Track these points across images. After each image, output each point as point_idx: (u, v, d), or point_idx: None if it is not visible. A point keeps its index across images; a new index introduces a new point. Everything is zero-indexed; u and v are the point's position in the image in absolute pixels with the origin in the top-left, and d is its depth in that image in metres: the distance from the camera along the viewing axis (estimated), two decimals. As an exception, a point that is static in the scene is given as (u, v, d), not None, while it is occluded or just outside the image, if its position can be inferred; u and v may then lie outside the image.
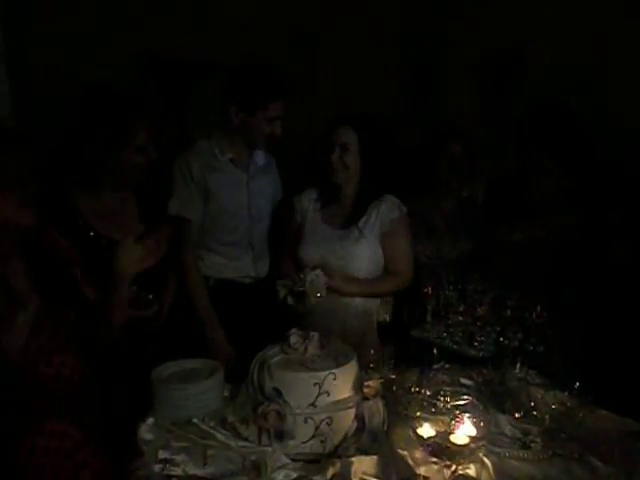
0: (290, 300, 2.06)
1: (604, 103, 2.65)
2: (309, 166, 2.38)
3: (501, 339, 1.87)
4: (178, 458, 1.48)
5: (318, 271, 2.04)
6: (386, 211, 2.21)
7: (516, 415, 1.64)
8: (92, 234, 1.92)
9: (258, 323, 2.23)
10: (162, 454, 1.49)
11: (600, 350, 2.15)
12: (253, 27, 3.22)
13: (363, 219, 2.20)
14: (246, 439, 1.57)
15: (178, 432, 1.60)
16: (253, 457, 1.50)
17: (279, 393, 1.56)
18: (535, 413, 1.63)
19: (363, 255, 2.19)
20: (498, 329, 1.89)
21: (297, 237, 2.28)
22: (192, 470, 1.45)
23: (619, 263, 2.11)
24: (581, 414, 1.64)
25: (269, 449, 1.52)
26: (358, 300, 2.21)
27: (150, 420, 1.65)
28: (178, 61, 3.22)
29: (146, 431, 1.60)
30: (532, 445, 1.58)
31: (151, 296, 1.91)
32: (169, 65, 3.27)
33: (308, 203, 2.32)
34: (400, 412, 1.70)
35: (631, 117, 2.53)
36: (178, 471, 1.44)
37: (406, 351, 1.91)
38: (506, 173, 2.57)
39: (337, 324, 2.16)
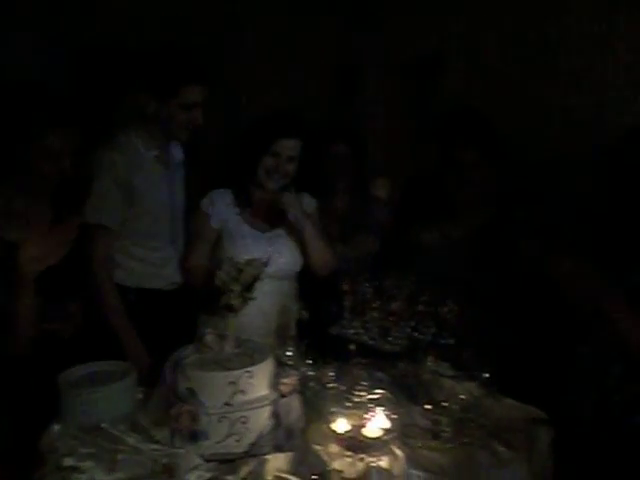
0: (238, 300, 1.91)
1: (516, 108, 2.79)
2: (230, 166, 2.31)
3: (415, 333, 1.92)
4: (84, 465, 1.42)
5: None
6: (307, 206, 2.27)
7: (427, 406, 1.69)
8: None
9: (181, 328, 2.11)
10: (67, 462, 1.43)
11: (508, 343, 2.26)
12: (176, 18, 3.12)
13: (285, 221, 2.22)
14: (158, 442, 1.54)
15: (86, 438, 1.54)
16: (165, 460, 1.47)
17: (193, 393, 1.54)
18: (445, 404, 1.69)
19: (295, 255, 2.22)
20: (412, 324, 1.94)
21: (214, 242, 2.22)
22: (99, 476, 1.40)
23: (528, 260, 2.20)
24: (488, 403, 1.72)
25: (182, 451, 1.49)
26: (277, 298, 2.20)
27: (56, 427, 1.58)
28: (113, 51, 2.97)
29: (50, 438, 1.53)
30: (442, 435, 1.63)
31: (62, 309, 1.81)
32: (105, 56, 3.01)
33: (225, 207, 2.24)
34: (316, 408, 1.71)
35: (532, 118, 2.67)
36: (83, 478, 1.39)
37: (324, 348, 1.92)
38: (424, 173, 2.64)
39: (257, 322, 2.15)
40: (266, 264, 1.82)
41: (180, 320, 2.19)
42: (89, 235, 2.06)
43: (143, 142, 2.16)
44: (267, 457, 1.50)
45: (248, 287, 1.73)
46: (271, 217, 2.24)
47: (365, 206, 2.60)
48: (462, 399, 1.71)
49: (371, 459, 1.50)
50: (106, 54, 2.82)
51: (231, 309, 1.70)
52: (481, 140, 2.28)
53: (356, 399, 1.71)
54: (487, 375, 1.74)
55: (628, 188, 1.68)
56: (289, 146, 2.16)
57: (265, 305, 2.16)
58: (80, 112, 2.02)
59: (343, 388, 1.74)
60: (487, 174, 2.28)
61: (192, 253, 2.24)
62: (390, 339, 1.92)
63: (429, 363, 1.86)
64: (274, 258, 2.13)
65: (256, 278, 1.76)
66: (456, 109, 2.54)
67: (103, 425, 1.58)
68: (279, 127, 2.18)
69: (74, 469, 1.41)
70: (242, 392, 1.55)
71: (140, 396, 1.73)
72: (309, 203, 2.30)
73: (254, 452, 1.52)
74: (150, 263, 2.21)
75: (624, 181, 1.68)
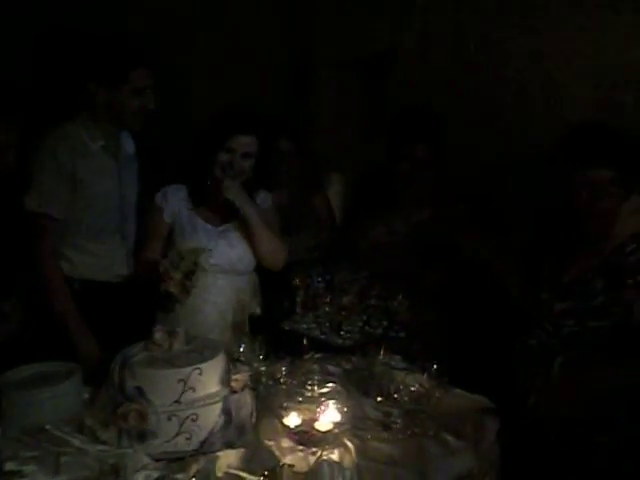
0: (179, 289, 1.88)
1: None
2: (183, 163, 2.28)
3: (366, 327, 1.94)
4: (27, 469, 1.38)
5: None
6: (263, 201, 2.26)
7: (379, 399, 1.71)
8: None
9: (129, 323, 2.10)
10: (8, 466, 1.38)
11: (456, 334, 2.31)
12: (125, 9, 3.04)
13: (240, 216, 2.18)
14: (105, 442, 1.50)
15: (28, 441, 1.49)
16: (112, 460, 1.43)
17: (141, 392, 1.51)
18: (396, 396, 1.71)
19: (247, 248, 2.19)
20: (364, 318, 1.96)
21: (165, 238, 2.19)
22: (42, 480, 1.36)
23: (469, 254, 2.26)
24: (437, 394, 1.75)
25: (130, 451, 1.46)
26: (233, 294, 2.18)
27: (-3, 430, 1.52)
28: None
29: (-10, 443, 1.47)
30: (393, 426, 1.65)
31: (7, 307, 1.73)
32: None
33: (178, 202, 2.21)
34: (269, 403, 1.70)
35: (482, 115, 2.73)
36: (26, 482, 1.34)
37: (277, 343, 1.92)
38: (374, 170, 2.66)
39: (212, 319, 2.13)
40: (208, 251, 1.81)
41: (129, 315, 2.14)
42: (33, 226, 2.01)
43: (89, 132, 2.12)
44: (218, 454, 1.49)
45: (188, 275, 1.71)
46: (225, 212, 2.21)
47: (306, 202, 2.63)
48: (412, 391, 1.73)
49: (322, 452, 1.50)
50: (55, 41, 2.73)
51: (171, 298, 1.67)
52: (432, 136, 2.32)
53: (308, 393, 1.72)
54: (436, 367, 1.77)
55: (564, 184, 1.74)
56: (245, 142, 2.14)
57: (220, 301, 2.16)
58: (26, 102, 1.95)
59: (295, 383, 1.74)
60: (436, 170, 2.32)
61: (144, 248, 2.20)
62: (342, 333, 1.94)
63: (381, 356, 1.88)
64: (225, 251, 2.14)
65: (196, 265, 1.74)
66: (408, 105, 2.58)
67: (47, 427, 1.53)
68: (235, 123, 2.16)
69: (16, 473, 1.36)
70: (192, 389, 1.52)
71: (86, 396, 1.69)
72: (265, 198, 2.29)
73: (205, 450, 1.51)
74: (96, 255, 2.16)
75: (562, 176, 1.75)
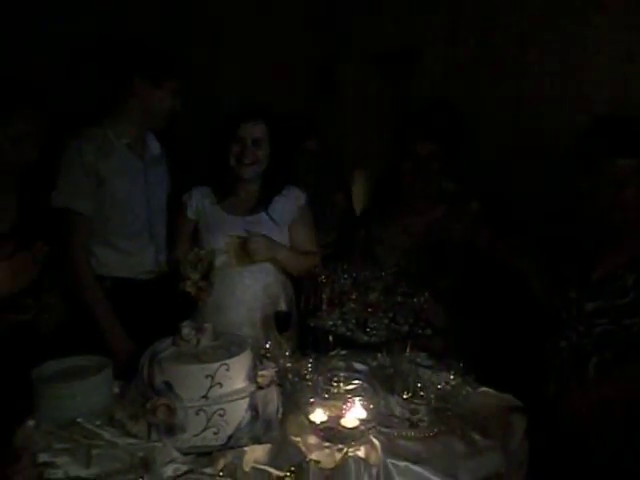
0: (195, 289, 1.88)
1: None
2: (206, 159, 2.30)
3: (392, 324, 1.94)
4: (59, 460, 1.41)
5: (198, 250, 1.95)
6: (294, 199, 2.25)
7: (405, 396, 1.70)
8: None
9: (160, 319, 2.12)
10: (42, 457, 1.42)
11: (484, 332, 2.29)
12: (143, 16, 3.08)
13: (271, 207, 2.21)
14: (135, 436, 1.53)
15: (61, 433, 1.52)
16: (142, 454, 1.46)
17: (169, 387, 1.53)
18: (422, 393, 1.70)
19: (279, 240, 2.19)
20: (390, 315, 1.95)
21: (191, 236, 2.22)
22: (75, 472, 1.39)
23: (483, 250, 2.23)
24: (464, 392, 1.74)
25: (159, 444, 1.49)
26: (261, 291, 2.19)
27: (30, 422, 1.56)
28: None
29: (25, 434, 1.51)
30: (419, 424, 1.65)
31: (30, 300, 1.77)
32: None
33: (202, 198, 2.24)
34: (295, 399, 1.71)
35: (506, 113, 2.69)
36: (59, 474, 1.37)
37: (303, 339, 1.93)
38: (388, 170, 2.65)
39: (241, 315, 2.15)
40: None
41: (158, 312, 2.17)
42: (63, 223, 2.06)
43: (114, 131, 2.17)
44: (245, 449, 1.50)
45: (204, 276, 1.75)
46: (250, 206, 2.22)
47: (329, 199, 2.65)
48: (439, 388, 1.72)
49: (348, 449, 1.51)
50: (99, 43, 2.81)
51: (189, 297, 1.71)
52: (437, 133, 2.28)
53: (334, 390, 1.72)
54: (462, 364, 1.76)
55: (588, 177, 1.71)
56: (252, 129, 2.15)
57: (247, 298, 2.16)
58: (61, 102, 2.00)
59: (321, 379, 1.74)
60: (443, 167, 2.27)
61: (174, 248, 2.25)
62: (368, 330, 1.93)
63: (407, 354, 1.87)
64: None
65: (212, 266, 1.77)
66: (424, 102, 2.57)
67: (78, 420, 1.56)
68: (240, 112, 2.19)
69: (49, 465, 1.40)
70: (219, 385, 1.54)
71: (116, 390, 1.72)
72: (298, 196, 2.27)
73: (232, 444, 1.52)
74: (125, 253, 2.20)
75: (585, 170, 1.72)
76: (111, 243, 2.19)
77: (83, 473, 1.39)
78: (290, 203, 2.24)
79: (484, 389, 1.81)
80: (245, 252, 2.10)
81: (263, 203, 2.21)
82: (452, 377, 1.75)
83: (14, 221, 1.88)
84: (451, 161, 2.28)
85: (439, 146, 2.24)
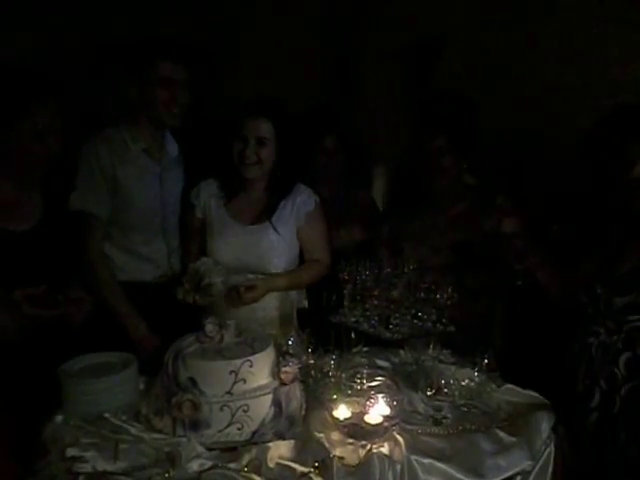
0: (190, 298, 1.95)
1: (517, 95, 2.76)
2: (212, 156, 2.26)
3: (415, 321, 1.92)
4: (87, 455, 1.43)
5: (205, 259, 1.98)
6: (301, 205, 2.17)
7: (428, 393, 1.69)
8: None
9: (175, 320, 2.07)
10: (70, 452, 1.44)
11: (509, 328, 2.26)
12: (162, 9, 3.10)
13: (276, 214, 2.14)
14: (160, 431, 1.55)
15: (88, 428, 1.55)
16: (167, 449, 1.47)
17: (194, 383, 1.54)
18: (446, 390, 1.69)
19: (279, 251, 2.15)
20: (413, 311, 1.94)
21: (201, 234, 2.20)
22: (102, 466, 1.40)
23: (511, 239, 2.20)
24: (489, 389, 1.72)
25: (184, 439, 1.50)
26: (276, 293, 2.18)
27: (58, 417, 1.59)
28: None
29: (53, 429, 1.54)
30: (443, 421, 1.64)
31: (60, 296, 1.81)
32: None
33: (209, 198, 2.20)
34: (318, 396, 1.71)
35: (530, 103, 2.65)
36: (87, 468, 1.39)
37: (325, 336, 1.93)
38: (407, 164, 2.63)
39: (258, 312, 2.15)
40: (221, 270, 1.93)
41: (176, 312, 2.18)
42: (81, 226, 2.09)
43: (131, 134, 2.18)
44: (269, 445, 1.51)
45: (197, 288, 1.85)
46: (257, 210, 2.16)
47: (353, 195, 2.62)
48: (463, 385, 1.71)
49: (372, 445, 1.50)
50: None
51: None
52: (445, 126, 2.22)
53: (357, 387, 1.72)
54: (486, 361, 1.74)
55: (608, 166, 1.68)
56: (255, 127, 2.06)
57: (266, 298, 2.13)
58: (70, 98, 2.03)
59: (344, 376, 1.74)
60: (457, 161, 2.23)
61: (185, 249, 2.26)
62: (391, 327, 1.92)
63: (430, 350, 1.86)
64: (251, 250, 2.10)
65: (209, 285, 1.87)
66: (437, 95, 2.54)
67: (105, 415, 1.58)
68: (245, 109, 2.11)
69: (77, 459, 1.42)
70: (243, 381, 1.55)
71: (142, 386, 1.74)
72: (308, 200, 2.18)
73: (256, 440, 1.53)
74: (138, 256, 2.21)
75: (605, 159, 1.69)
76: (125, 246, 2.20)
77: (110, 467, 1.40)
78: (299, 209, 2.16)
79: (509, 386, 1.79)
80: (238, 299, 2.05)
81: (268, 210, 2.14)
82: (476, 374, 1.74)
83: (39, 219, 1.90)
84: (466, 154, 2.24)
85: (449, 140, 2.19)
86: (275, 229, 2.13)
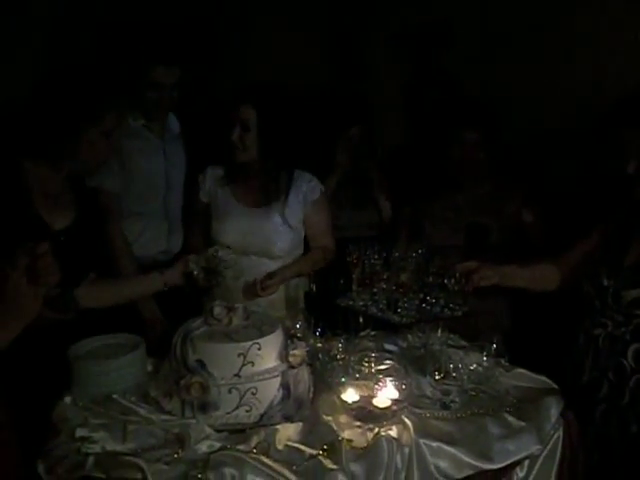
0: (202, 280, 1.93)
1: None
2: (213, 142, 2.27)
3: (424, 305, 1.92)
4: (96, 435, 1.43)
5: (227, 250, 1.97)
6: (307, 192, 2.19)
7: (437, 377, 1.69)
8: (31, 209, 1.76)
9: (175, 300, 2.09)
10: (79, 432, 1.45)
11: (517, 312, 2.26)
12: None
13: (281, 201, 2.15)
14: (169, 412, 1.55)
15: (97, 409, 1.55)
16: (176, 430, 1.48)
17: (202, 365, 1.54)
18: (454, 374, 1.68)
19: (283, 235, 2.16)
20: (421, 295, 1.93)
21: (206, 217, 2.21)
22: (111, 446, 1.41)
23: (529, 228, 2.20)
24: (497, 373, 1.72)
25: (193, 421, 1.51)
26: None
27: (67, 398, 1.60)
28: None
29: (63, 410, 1.55)
30: (451, 405, 1.63)
31: (73, 303, 1.79)
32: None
33: (215, 182, 2.20)
34: (326, 379, 1.71)
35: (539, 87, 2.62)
36: (96, 448, 1.39)
37: (332, 319, 1.92)
38: (421, 144, 2.63)
39: (264, 298, 2.15)
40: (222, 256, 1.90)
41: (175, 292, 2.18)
42: (101, 208, 2.08)
43: (132, 115, 2.22)
44: (277, 427, 1.52)
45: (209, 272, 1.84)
46: (262, 194, 2.17)
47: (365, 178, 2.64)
48: (471, 369, 1.70)
49: (380, 429, 1.50)
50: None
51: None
52: (482, 122, 2.30)
53: (365, 370, 1.72)
54: (495, 345, 1.73)
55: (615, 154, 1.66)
56: (240, 112, 2.05)
57: None
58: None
59: (352, 359, 1.73)
60: (488, 152, 2.29)
61: (187, 229, 2.29)
62: (399, 311, 1.91)
63: (438, 334, 1.85)
64: (258, 233, 2.12)
65: (213, 268, 1.85)
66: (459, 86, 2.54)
67: (114, 396, 1.59)
68: (233, 95, 2.11)
69: (87, 439, 1.42)
70: (251, 363, 1.55)
71: (150, 367, 1.74)
72: (313, 188, 2.20)
73: (264, 422, 1.53)
74: (138, 232, 2.26)
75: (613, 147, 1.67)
76: (127, 219, 2.23)
77: (119, 448, 1.41)
78: (305, 197, 2.18)
79: (518, 370, 1.78)
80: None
81: (272, 193, 2.15)
82: (485, 358, 1.73)
83: (74, 218, 1.88)
84: (493, 145, 2.29)
85: (483, 135, 2.27)
86: (282, 217, 2.14)
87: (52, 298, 1.62)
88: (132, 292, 1.99)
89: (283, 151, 2.10)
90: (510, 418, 1.58)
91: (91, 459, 1.35)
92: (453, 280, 1.86)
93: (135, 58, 2.16)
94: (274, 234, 2.15)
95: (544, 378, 1.76)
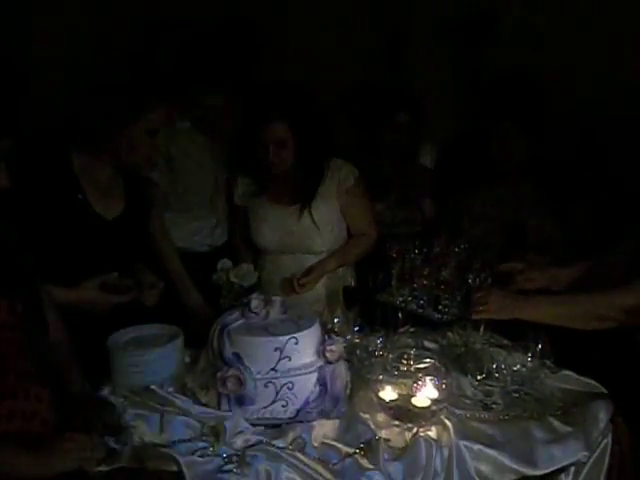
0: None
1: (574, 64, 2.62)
2: (238, 157, 2.26)
3: (465, 303, 1.85)
4: (135, 424, 1.44)
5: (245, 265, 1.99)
6: (342, 180, 2.15)
7: (478, 377, 1.63)
8: (80, 197, 1.80)
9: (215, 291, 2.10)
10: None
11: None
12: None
13: (316, 196, 2.12)
14: (206, 405, 1.54)
15: (135, 399, 1.56)
16: (212, 423, 1.47)
17: (239, 358, 1.53)
18: (497, 375, 1.63)
19: (322, 230, 2.14)
20: (463, 292, 1.87)
21: (243, 218, 2.22)
22: (148, 437, 1.41)
23: (578, 226, 2.12)
24: (542, 375, 1.65)
25: (229, 414, 1.50)
26: None
27: (106, 388, 1.61)
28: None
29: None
30: (493, 406, 1.58)
31: (131, 282, 1.82)
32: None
33: (247, 187, 2.21)
34: (363, 376, 1.68)
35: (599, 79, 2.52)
36: (135, 439, 1.40)
37: (371, 315, 1.89)
38: (466, 138, 2.58)
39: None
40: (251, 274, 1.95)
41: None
42: (144, 195, 2.10)
43: (178, 113, 2.26)
44: (313, 424, 1.50)
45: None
46: (295, 193, 2.14)
47: (407, 174, 2.61)
48: (515, 370, 1.64)
49: (419, 429, 1.46)
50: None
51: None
52: (513, 109, 2.23)
53: (404, 368, 1.68)
54: (540, 346, 1.66)
55: None
56: (271, 132, 2.00)
57: None
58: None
59: (391, 356, 1.70)
60: (521, 143, 2.22)
61: (230, 225, 2.32)
62: (440, 308, 1.86)
63: (480, 333, 1.79)
64: (293, 231, 2.11)
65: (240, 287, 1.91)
66: (500, 76, 2.47)
67: (152, 387, 1.59)
68: (260, 113, 2.05)
69: (125, 429, 1.43)
70: (288, 358, 1.53)
71: (187, 359, 1.74)
72: (346, 175, 2.15)
73: (300, 418, 1.52)
74: (183, 227, 2.30)
75: None
76: (170, 219, 2.22)
77: (156, 439, 1.41)
78: (340, 185, 2.14)
79: (565, 373, 1.71)
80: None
81: (305, 191, 2.12)
82: (529, 359, 1.66)
83: (124, 208, 1.91)
84: (533, 136, 2.20)
85: (516, 122, 2.19)
86: (318, 211, 2.11)
87: (111, 283, 1.74)
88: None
89: (320, 152, 2.09)
90: (556, 422, 1.52)
91: (129, 450, 1.36)
92: (478, 279, 1.79)
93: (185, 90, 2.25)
94: (312, 231, 2.13)
95: (592, 381, 1.69)
